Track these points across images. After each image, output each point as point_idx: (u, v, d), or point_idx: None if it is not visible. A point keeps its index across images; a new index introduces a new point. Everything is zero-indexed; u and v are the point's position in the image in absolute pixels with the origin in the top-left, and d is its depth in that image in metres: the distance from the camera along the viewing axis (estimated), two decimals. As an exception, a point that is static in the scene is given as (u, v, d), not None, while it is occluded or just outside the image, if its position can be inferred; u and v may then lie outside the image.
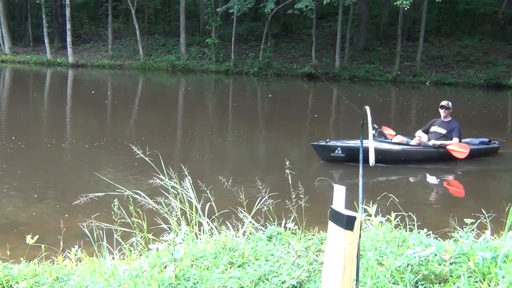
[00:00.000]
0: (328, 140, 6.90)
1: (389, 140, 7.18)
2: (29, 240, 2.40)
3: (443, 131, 7.17)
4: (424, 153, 7.09)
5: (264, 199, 3.25)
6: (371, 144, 1.58)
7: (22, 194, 5.28)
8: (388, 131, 7.59)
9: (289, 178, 3.49)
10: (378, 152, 6.55)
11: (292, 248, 2.56)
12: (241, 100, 16.27)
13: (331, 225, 1.55)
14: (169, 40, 28.38)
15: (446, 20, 29.43)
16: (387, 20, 27.73)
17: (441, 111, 7.24)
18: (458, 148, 6.88)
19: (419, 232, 2.79)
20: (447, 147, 6.90)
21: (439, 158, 6.97)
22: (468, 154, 6.80)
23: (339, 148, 6.67)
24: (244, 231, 2.98)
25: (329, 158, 6.82)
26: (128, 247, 2.86)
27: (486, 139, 7.81)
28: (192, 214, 3.12)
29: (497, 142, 7.89)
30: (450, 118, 7.28)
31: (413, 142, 7.12)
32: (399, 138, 7.25)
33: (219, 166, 7.18)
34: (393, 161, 6.71)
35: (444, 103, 7.28)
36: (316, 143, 6.88)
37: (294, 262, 2.40)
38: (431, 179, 6.67)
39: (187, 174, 3.35)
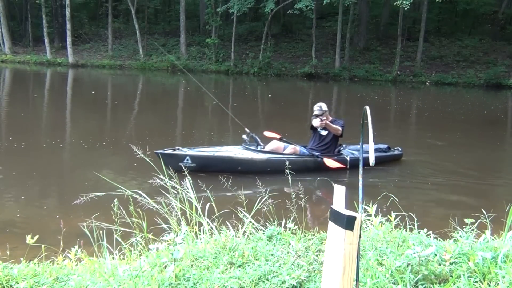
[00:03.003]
0: (177, 147, 6.21)
1: (260, 147, 6.56)
2: (29, 240, 2.40)
3: (324, 132, 6.64)
4: (296, 162, 6.24)
5: (264, 199, 3.25)
6: (371, 144, 1.58)
7: (22, 194, 5.27)
8: (272, 134, 6.96)
9: (289, 178, 3.49)
10: (237, 161, 6.17)
11: (292, 248, 2.56)
12: (241, 100, 16.27)
13: (331, 225, 1.55)
14: (169, 40, 28.39)
15: (446, 20, 29.45)
16: (387, 20, 27.75)
17: (316, 121, 6.50)
18: (333, 162, 6.26)
19: (419, 232, 2.79)
20: (324, 158, 6.30)
21: (315, 168, 6.30)
22: (345, 166, 6.19)
23: (188, 157, 6.00)
24: (244, 231, 2.98)
25: (178, 168, 5.96)
26: (128, 247, 2.86)
27: (384, 146, 7.20)
28: (192, 214, 3.12)
29: (399, 149, 7.35)
30: (331, 118, 6.69)
31: (287, 150, 6.52)
32: (274, 145, 6.64)
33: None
34: (257, 171, 5.94)
35: (317, 111, 6.52)
36: (161, 151, 5.97)
37: (294, 262, 2.40)
38: (431, 179, 6.67)
39: (187, 174, 3.35)
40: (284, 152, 6.52)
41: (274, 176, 5.92)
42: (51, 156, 7.23)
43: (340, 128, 6.51)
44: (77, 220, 3.68)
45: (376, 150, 7.01)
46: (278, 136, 6.88)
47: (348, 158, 6.41)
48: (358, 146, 6.95)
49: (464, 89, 22.13)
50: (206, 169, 5.98)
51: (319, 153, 6.52)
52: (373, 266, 2.29)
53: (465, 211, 4.61)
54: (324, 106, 6.61)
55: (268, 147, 6.63)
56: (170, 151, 6.09)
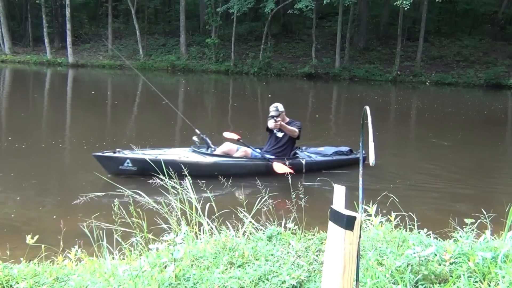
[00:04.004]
0: (117, 149, 5.89)
1: (210, 150, 6.30)
2: (29, 240, 2.40)
3: (280, 134, 6.33)
4: (246, 166, 6.05)
5: (264, 199, 3.25)
6: (371, 144, 1.58)
7: (22, 194, 5.27)
8: (231, 135, 6.65)
9: (289, 178, 3.49)
10: (181, 165, 5.53)
11: (292, 248, 2.56)
12: (241, 100, 16.27)
13: (331, 225, 1.55)
14: (169, 40, 28.40)
15: (446, 20, 29.47)
16: (387, 20, 27.76)
17: (271, 122, 6.14)
18: (282, 166, 5.80)
19: (419, 232, 2.79)
20: (274, 162, 5.91)
21: (268, 172, 5.88)
22: (293, 171, 5.42)
23: (128, 160, 5.71)
24: (244, 231, 2.98)
25: (118, 172, 5.76)
26: (128, 247, 2.86)
27: (346, 149, 6.90)
28: (192, 214, 3.12)
29: (363, 152, 7.11)
30: (287, 119, 6.38)
31: (238, 153, 6.20)
32: (226, 147, 6.32)
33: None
34: (203, 176, 5.37)
35: (273, 112, 6.18)
36: (99, 153, 5.77)
37: (294, 262, 2.40)
38: (431, 179, 6.67)
39: (187, 174, 3.35)
40: (235, 155, 6.19)
41: (274, 176, 5.92)
42: (51, 156, 7.23)
43: (297, 130, 6.21)
44: (77, 220, 3.68)
45: (336, 153, 6.77)
46: (237, 137, 6.50)
47: (303, 162, 6.09)
48: (319, 149, 6.87)
49: (464, 89, 22.13)
50: (148, 173, 5.70)
51: (274, 156, 6.20)
52: (373, 266, 2.29)
53: (465, 211, 4.62)
54: (281, 107, 6.27)
55: (219, 150, 6.32)
56: (110, 154, 5.76)
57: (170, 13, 32.88)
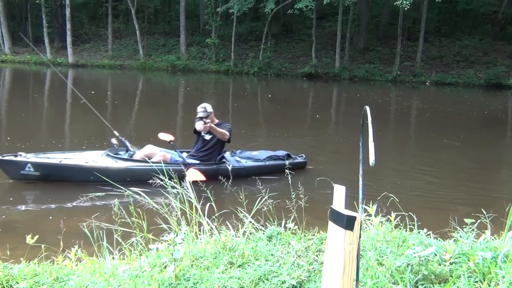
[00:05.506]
0: (19, 153, 5.44)
1: (129, 153, 5.92)
2: (29, 240, 2.40)
3: (208, 137, 5.97)
4: (161, 172, 5.60)
5: (264, 199, 3.25)
6: (371, 144, 1.58)
7: (22, 194, 5.28)
8: (166, 137, 6.07)
9: (289, 178, 3.49)
10: (88, 170, 5.33)
11: (292, 248, 2.56)
12: (241, 100, 16.27)
13: (331, 225, 1.55)
14: (169, 40, 28.40)
15: (446, 20, 29.47)
16: (387, 20, 27.76)
17: (199, 124, 5.76)
18: (196, 173, 5.26)
19: (419, 232, 2.79)
20: (189, 169, 5.39)
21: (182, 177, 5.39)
22: (206, 179, 4.92)
23: (29, 165, 5.30)
24: (244, 231, 2.98)
25: (20, 177, 5.39)
26: (128, 247, 2.86)
27: (282, 153, 6.57)
28: (192, 214, 3.12)
29: (303, 156, 6.69)
30: (217, 121, 6.03)
31: (155, 158, 5.68)
32: (148, 150, 5.84)
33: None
34: (115, 181, 5.02)
35: (201, 114, 5.78)
36: None
37: (294, 262, 2.40)
38: (431, 179, 6.67)
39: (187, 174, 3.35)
40: (153, 159, 5.65)
41: (274, 176, 5.92)
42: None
43: (227, 133, 5.86)
44: (77, 220, 3.68)
45: (271, 157, 6.42)
46: (171, 139, 6.02)
47: (230, 168, 5.17)
48: (253, 153, 6.55)
49: (464, 89, 22.14)
50: (52, 179, 5.39)
51: (199, 161, 5.83)
52: (373, 266, 2.29)
53: (465, 211, 4.62)
54: (209, 107, 5.85)
55: (140, 153, 5.86)
56: (10, 158, 5.31)
57: (170, 13, 32.88)
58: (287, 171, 3.62)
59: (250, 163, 6.27)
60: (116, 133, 5.98)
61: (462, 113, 14.54)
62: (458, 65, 25.08)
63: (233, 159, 6.24)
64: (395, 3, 20.20)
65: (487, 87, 22.68)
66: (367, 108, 1.65)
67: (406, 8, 20.04)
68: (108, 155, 5.74)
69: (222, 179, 3.96)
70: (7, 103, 13.08)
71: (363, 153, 1.70)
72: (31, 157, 5.42)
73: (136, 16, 26.47)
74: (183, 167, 5.40)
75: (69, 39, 25.14)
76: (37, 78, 21.19)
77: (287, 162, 6.19)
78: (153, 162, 5.46)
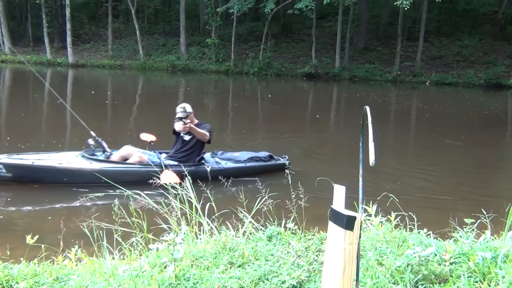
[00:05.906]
0: None
1: (106, 154, 5.82)
2: (29, 240, 2.40)
3: (188, 137, 5.85)
4: (139, 173, 5.30)
5: (264, 199, 3.25)
6: (371, 144, 1.58)
7: (22, 193, 5.27)
8: (147, 137, 6.02)
9: (289, 178, 3.49)
10: (61, 172, 5.25)
11: (292, 248, 2.56)
12: (241, 100, 16.27)
13: (331, 225, 1.55)
14: (169, 40, 28.40)
15: (446, 20, 29.47)
16: (387, 20, 27.76)
17: (179, 125, 5.62)
18: (171, 175, 5.07)
19: (419, 232, 2.79)
20: (165, 170, 5.11)
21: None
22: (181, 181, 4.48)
23: (1, 166, 5.20)
24: (244, 231, 2.98)
25: None
26: (128, 247, 2.86)
27: (264, 154, 6.41)
28: (192, 214, 3.12)
29: (286, 157, 6.53)
30: (196, 121, 5.88)
31: (132, 159, 5.58)
32: (125, 151, 5.72)
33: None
34: (89, 183, 5.10)
35: (180, 114, 5.63)
36: None
37: (294, 262, 2.40)
38: (431, 179, 6.67)
39: (187, 174, 3.35)
40: (129, 161, 5.57)
41: (274, 176, 5.92)
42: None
43: (207, 133, 5.74)
44: (77, 220, 3.68)
45: (252, 159, 6.28)
46: (153, 139, 5.94)
47: (208, 169, 5.01)
48: (234, 154, 6.45)
49: (464, 89, 22.14)
50: (26, 180, 5.31)
51: (178, 162, 5.67)
52: (373, 266, 2.29)
53: (465, 211, 4.62)
54: (189, 107, 5.72)
55: (117, 154, 5.75)
56: None
57: (170, 13, 32.88)
58: (287, 171, 3.63)
59: (230, 164, 6.14)
60: (93, 133, 5.86)
61: (462, 113, 14.53)
62: (458, 65, 25.08)
63: (213, 160, 6.12)
64: (395, 3, 20.20)
65: (487, 87, 22.68)
66: (367, 108, 1.65)
67: (406, 8, 20.04)
68: (83, 156, 5.60)
69: (222, 179, 3.96)
70: (7, 103, 13.09)
71: (363, 153, 1.70)
72: (3, 158, 5.30)
73: (136, 16, 26.46)
74: (158, 169, 5.07)
75: (69, 39, 25.13)
76: (37, 78, 21.18)
77: (268, 163, 6.26)
78: (128, 164, 5.43)
